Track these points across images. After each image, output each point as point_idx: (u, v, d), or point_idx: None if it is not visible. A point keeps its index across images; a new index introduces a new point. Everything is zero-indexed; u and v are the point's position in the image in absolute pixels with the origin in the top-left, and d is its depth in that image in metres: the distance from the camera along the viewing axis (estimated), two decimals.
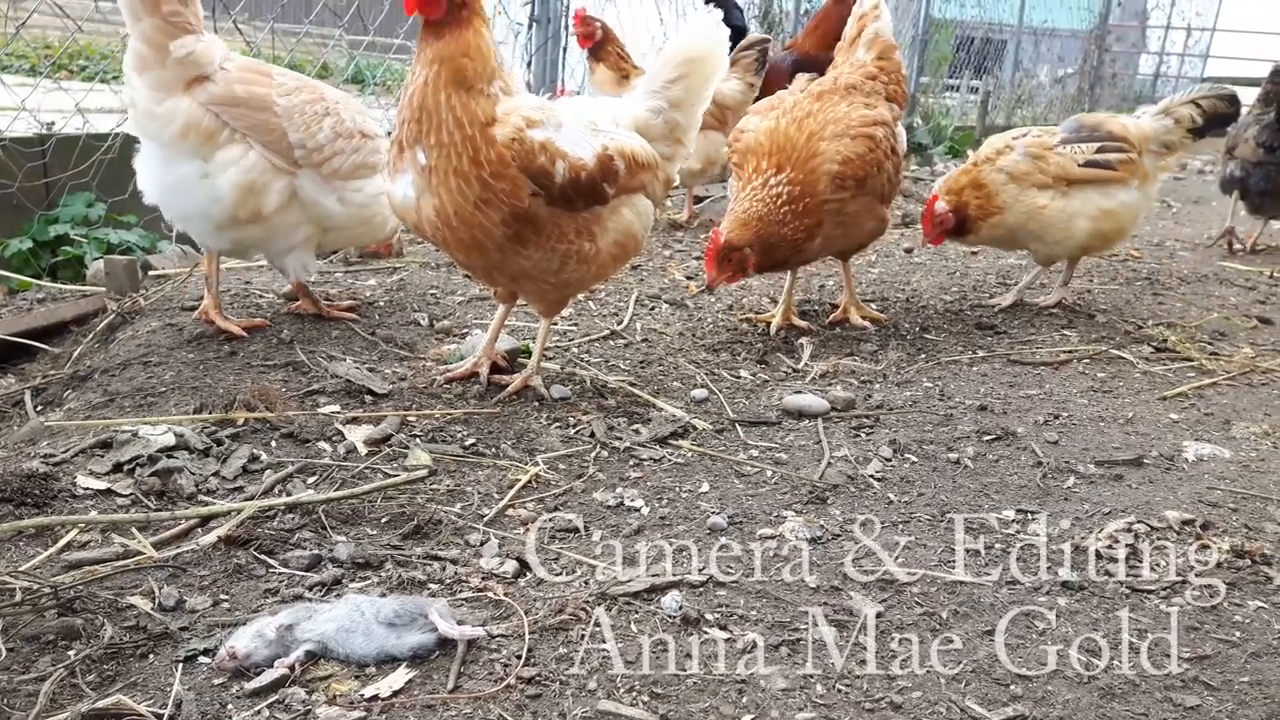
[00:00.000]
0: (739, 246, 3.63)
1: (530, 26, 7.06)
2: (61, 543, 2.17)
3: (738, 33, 6.76)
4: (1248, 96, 6.86)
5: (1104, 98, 15.75)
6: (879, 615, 2.10)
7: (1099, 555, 2.42)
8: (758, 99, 6.35)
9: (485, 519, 2.40)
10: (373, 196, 3.42)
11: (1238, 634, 2.14)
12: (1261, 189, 6.54)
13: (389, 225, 3.59)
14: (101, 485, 2.43)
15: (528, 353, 3.45)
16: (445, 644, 1.88)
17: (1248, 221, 6.97)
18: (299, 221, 3.32)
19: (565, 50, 7.13)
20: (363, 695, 1.75)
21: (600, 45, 6.04)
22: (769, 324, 4.05)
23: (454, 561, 2.21)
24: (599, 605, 2.06)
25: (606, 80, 6.00)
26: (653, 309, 4.24)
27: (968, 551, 2.40)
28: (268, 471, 2.54)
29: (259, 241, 3.35)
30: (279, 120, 3.16)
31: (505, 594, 2.09)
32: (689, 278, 4.76)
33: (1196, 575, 2.35)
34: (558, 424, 2.98)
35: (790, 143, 3.75)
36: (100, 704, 1.69)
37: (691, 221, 6.06)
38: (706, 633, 2.00)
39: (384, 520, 2.37)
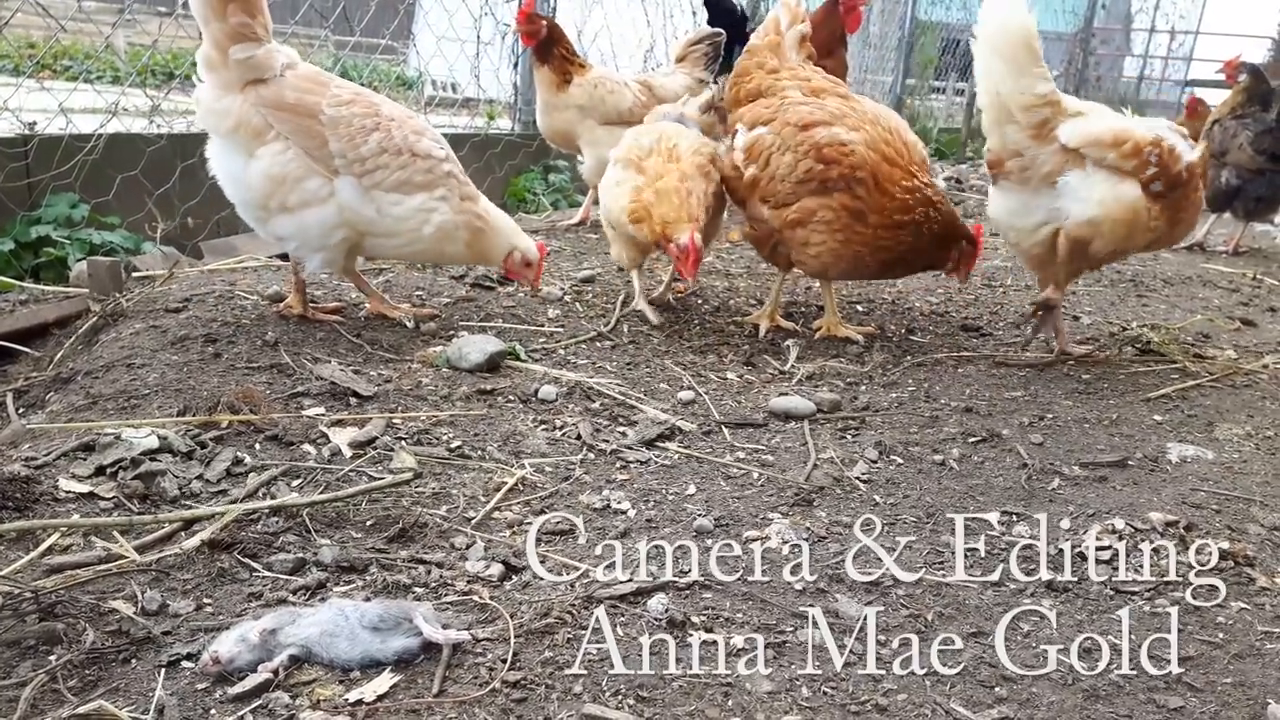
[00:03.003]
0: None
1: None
2: (43, 547, 2.15)
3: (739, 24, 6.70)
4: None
5: (1088, 100, 15.82)
6: (864, 617, 2.10)
7: (1084, 557, 2.43)
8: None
9: (471, 522, 2.39)
10: (412, 211, 3.50)
11: (1221, 635, 2.15)
12: (1259, 195, 6.41)
13: (426, 240, 3.59)
14: (84, 488, 2.41)
15: (514, 355, 3.45)
16: (430, 648, 1.87)
17: (1229, 224, 6.99)
18: (334, 224, 3.44)
19: None
20: (347, 700, 1.74)
21: (545, 45, 5.60)
22: (757, 326, 4.05)
23: (439, 565, 2.20)
24: (585, 608, 2.05)
25: (545, 83, 5.66)
26: (640, 310, 4.23)
27: (953, 553, 2.41)
28: (252, 474, 2.53)
29: (293, 234, 3.46)
30: (322, 128, 3.35)
31: (491, 597, 2.08)
32: (675, 279, 4.76)
33: (1180, 576, 2.37)
34: (544, 426, 2.97)
35: (896, 150, 3.73)
36: (82, 709, 1.68)
37: (585, 222, 5.87)
38: (693, 635, 2.00)
39: (369, 523, 2.36)
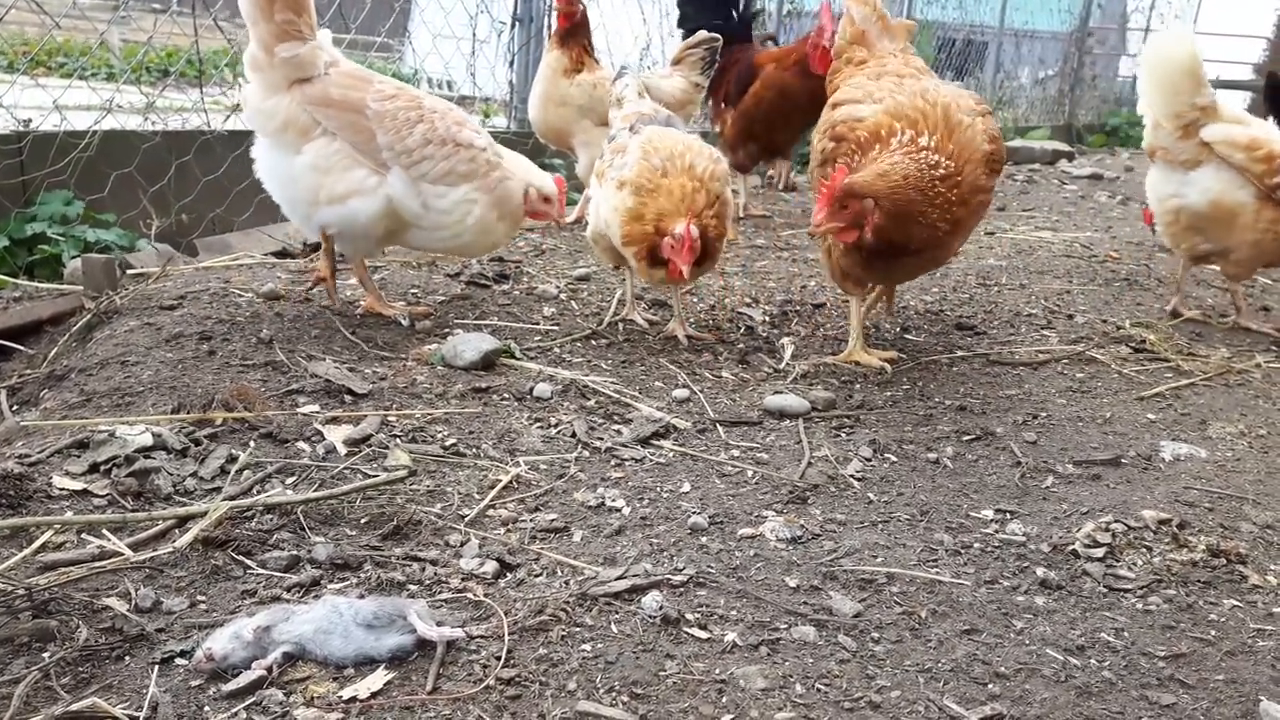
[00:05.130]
0: (861, 195, 3.12)
1: (513, 25, 7.05)
2: (37, 544, 2.15)
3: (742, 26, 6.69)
4: (1231, 100, 6.87)
5: (1084, 99, 15.85)
6: (858, 615, 2.11)
7: (1077, 554, 2.43)
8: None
9: (465, 519, 2.39)
10: (455, 203, 3.55)
11: (1213, 632, 2.16)
12: None
13: (470, 231, 3.62)
14: (78, 486, 2.41)
15: (509, 353, 3.45)
16: (424, 645, 1.87)
17: None
18: (380, 214, 3.48)
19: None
20: (341, 697, 1.74)
21: (572, 30, 5.60)
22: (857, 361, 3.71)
23: (434, 562, 2.20)
24: (579, 606, 2.06)
25: (554, 69, 5.56)
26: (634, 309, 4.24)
27: (947, 551, 2.42)
28: (246, 472, 2.53)
29: (339, 223, 3.50)
30: (368, 123, 3.40)
31: (485, 595, 2.08)
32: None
33: (1173, 574, 2.38)
34: (539, 424, 2.97)
35: (923, 114, 3.29)
36: (75, 707, 1.68)
37: (580, 221, 5.86)
38: (687, 633, 2.00)
39: (363, 521, 2.36)
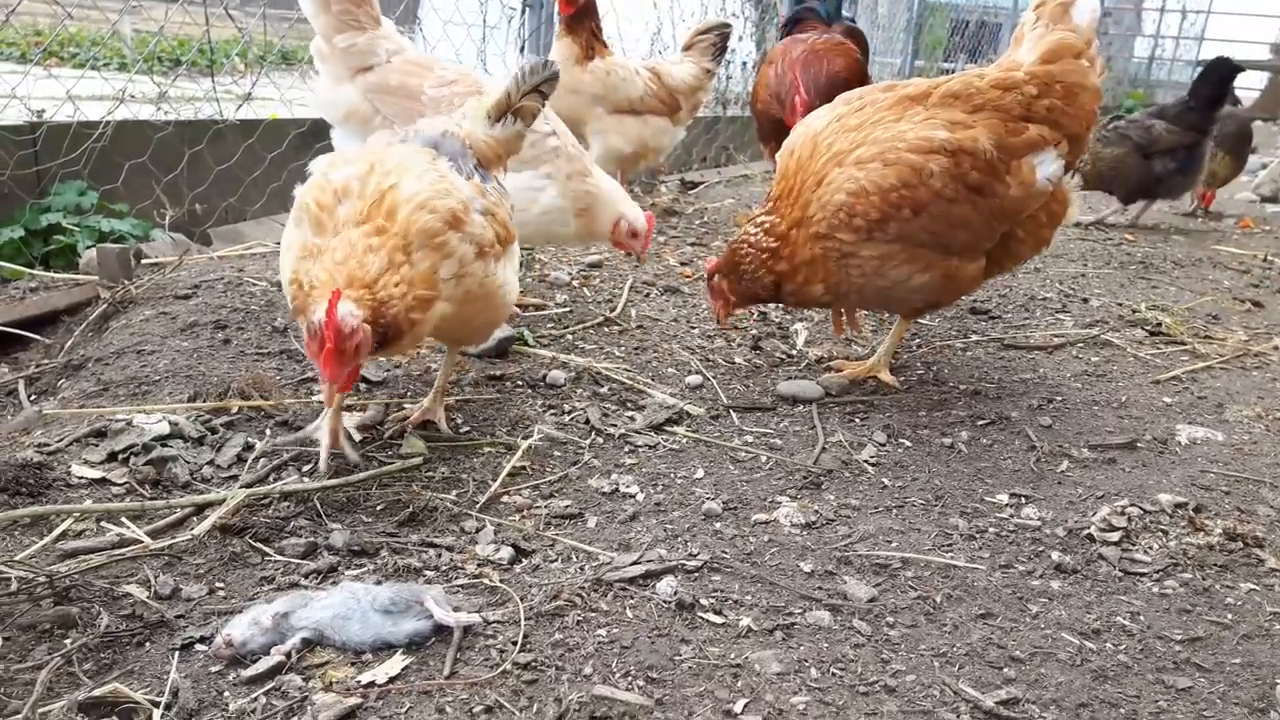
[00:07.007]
0: (710, 273, 3.35)
1: (523, 11, 7.03)
2: (57, 532, 2.17)
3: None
4: (1249, 79, 6.87)
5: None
6: (873, 599, 2.11)
7: (1092, 539, 2.43)
8: None
9: (480, 506, 2.40)
10: (518, 189, 3.40)
11: (1230, 616, 2.15)
12: None
13: (534, 220, 3.55)
14: (96, 474, 2.43)
15: (523, 340, 3.45)
16: (441, 631, 1.88)
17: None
18: None
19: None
20: (359, 682, 1.76)
21: (579, 14, 5.36)
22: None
23: (449, 548, 2.21)
24: (595, 591, 2.06)
25: (565, 57, 5.33)
26: (647, 295, 4.24)
27: (961, 536, 2.41)
28: (262, 460, 2.54)
29: None
30: (423, 108, 3.41)
31: (501, 580, 2.09)
32: (683, 264, 4.76)
33: (1189, 558, 2.37)
34: (553, 411, 2.98)
35: (801, 166, 3.14)
36: (97, 692, 1.70)
37: None
38: (701, 618, 2.01)
39: (379, 508, 2.37)
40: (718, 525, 2.38)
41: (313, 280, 2.24)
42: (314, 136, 4.84)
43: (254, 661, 1.79)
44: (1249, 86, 14.79)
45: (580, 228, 3.63)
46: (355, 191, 2.36)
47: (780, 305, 4.14)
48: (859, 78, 5.18)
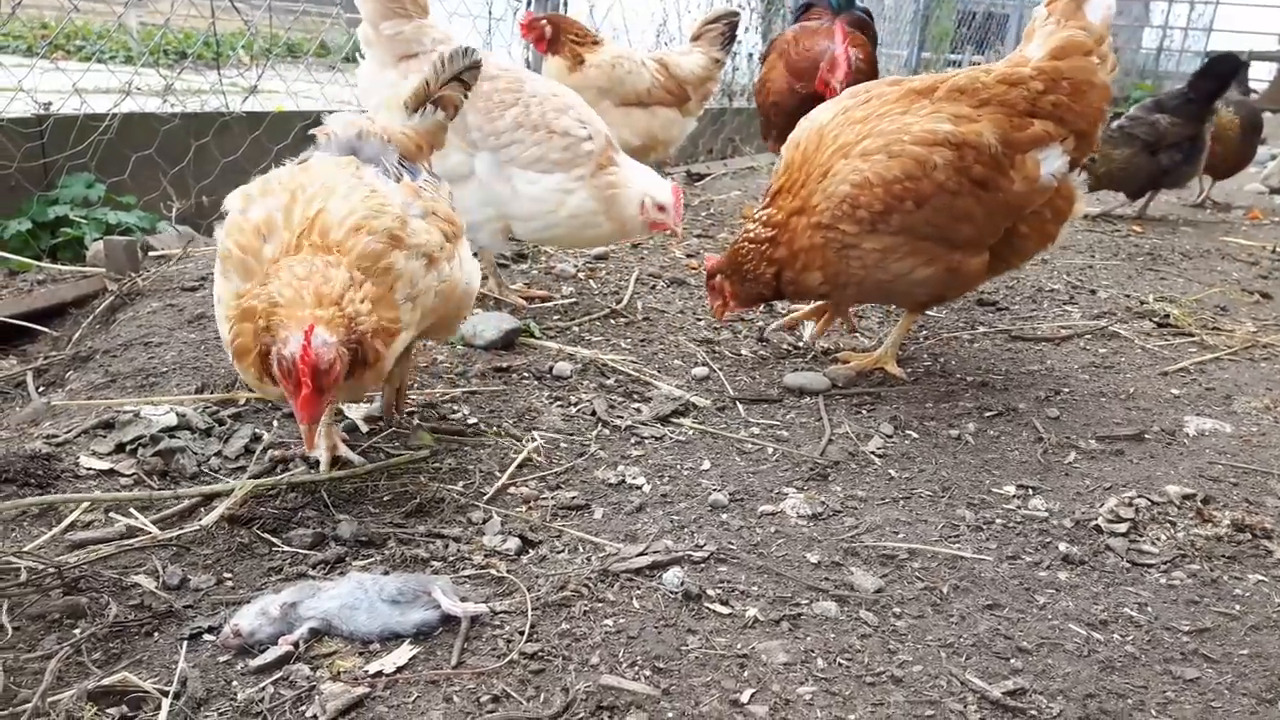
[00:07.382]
0: (711, 272, 3.37)
1: (529, 4, 7.02)
2: (65, 522, 2.18)
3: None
4: (1257, 71, 6.85)
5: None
6: (879, 590, 2.11)
7: (1100, 530, 2.42)
8: None
9: (487, 497, 2.41)
10: (548, 191, 3.45)
11: (1237, 607, 2.15)
12: None
13: (563, 223, 3.51)
14: (104, 465, 2.43)
15: (529, 332, 3.45)
16: (448, 621, 1.89)
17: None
18: (477, 200, 3.48)
19: None
20: (367, 671, 1.76)
21: (554, 40, 5.50)
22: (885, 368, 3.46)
23: (457, 539, 2.22)
24: (601, 582, 2.07)
25: (558, 71, 5.43)
26: (653, 287, 4.24)
27: (968, 527, 2.41)
28: (270, 451, 2.55)
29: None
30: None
31: (508, 571, 2.10)
32: (689, 256, 4.75)
33: (1197, 549, 2.36)
34: (559, 402, 2.98)
35: (807, 159, 3.14)
36: (106, 681, 1.71)
37: None
38: (708, 608, 2.01)
39: (386, 499, 2.38)
40: (724, 516, 2.38)
41: (276, 299, 2.01)
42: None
43: (262, 651, 1.79)
44: (1259, 79, 14.72)
45: (613, 227, 3.53)
46: (280, 223, 2.15)
47: (786, 302, 4.14)
48: (870, 68, 5.19)
